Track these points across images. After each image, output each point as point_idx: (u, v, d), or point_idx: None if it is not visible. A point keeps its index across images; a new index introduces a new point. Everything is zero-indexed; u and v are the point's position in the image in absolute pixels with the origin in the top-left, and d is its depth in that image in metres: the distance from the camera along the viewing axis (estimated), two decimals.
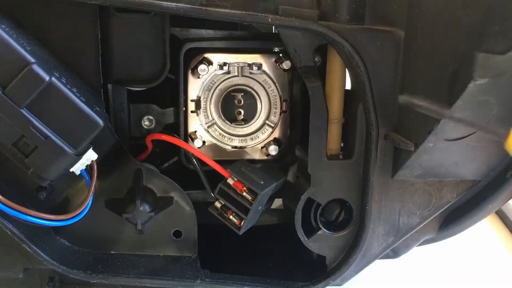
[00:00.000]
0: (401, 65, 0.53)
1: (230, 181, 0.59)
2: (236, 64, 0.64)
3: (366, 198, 0.59)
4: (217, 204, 0.60)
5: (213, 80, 0.64)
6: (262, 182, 0.59)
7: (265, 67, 0.64)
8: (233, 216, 0.60)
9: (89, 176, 0.55)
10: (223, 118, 0.65)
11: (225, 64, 0.63)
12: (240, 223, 0.59)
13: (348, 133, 0.61)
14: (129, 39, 0.58)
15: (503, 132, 0.39)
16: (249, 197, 0.58)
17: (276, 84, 0.65)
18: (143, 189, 0.60)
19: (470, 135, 0.49)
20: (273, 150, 0.66)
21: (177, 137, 0.63)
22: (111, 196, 0.61)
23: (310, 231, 0.63)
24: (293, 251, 0.70)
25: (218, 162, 0.61)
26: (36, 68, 0.47)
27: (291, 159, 0.69)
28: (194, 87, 0.64)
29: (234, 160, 0.64)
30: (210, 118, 0.65)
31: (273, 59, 0.64)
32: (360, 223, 0.61)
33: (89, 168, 0.54)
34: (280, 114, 0.67)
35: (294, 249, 0.68)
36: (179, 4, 0.50)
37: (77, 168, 0.52)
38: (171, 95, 0.66)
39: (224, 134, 0.66)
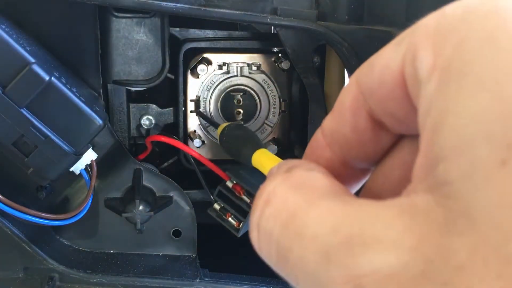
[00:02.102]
0: None
1: (229, 183, 0.59)
2: (235, 64, 0.64)
3: None
4: (216, 206, 0.60)
5: (212, 80, 0.64)
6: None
7: (264, 67, 0.64)
8: (231, 218, 0.60)
9: (89, 176, 0.55)
10: (222, 118, 0.65)
11: (224, 64, 0.63)
12: (239, 225, 0.59)
13: None
14: (129, 39, 0.59)
15: None
16: (247, 200, 0.58)
17: (275, 84, 0.65)
18: (142, 189, 0.60)
19: None
20: (272, 150, 0.67)
21: (176, 139, 0.63)
22: (111, 195, 0.61)
23: None
24: None
25: (218, 161, 0.61)
26: (36, 68, 0.47)
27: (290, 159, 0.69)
28: (194, 87, 0.64)
29: (234, 160, 0.64)
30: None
31: (272, 59, 0.64)
32: None
33: (88, 168, 0.54)
34: (279, 114, 0.67)
35: None
36: (178, 5, 0.50)
37: (77, 167, 0.52)
38: (171, 95, 0.67)
39: None
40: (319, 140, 0.22)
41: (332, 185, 0.19)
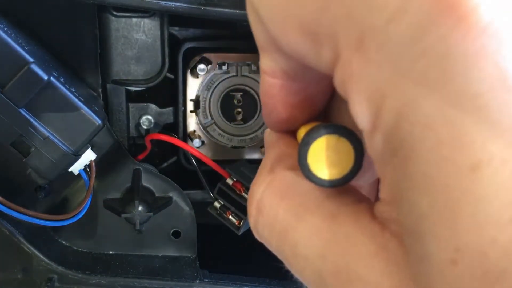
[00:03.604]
0: None
1: (229, 181, 0.59)
2: (235, 64, 0.64)
3: None
4: (216, 204, 0.60)
5: (212, 80, 0.64)
6: None
7: None
8: (232, 216, 0.60)
9: (88, 176, 0.55)
10: (222, 117, 0.65)
11: (224, 63, 0.63)
12: (239, 223, 0.59)
13: None
14: (128, 39, 0.58)
15: None
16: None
17: None
18: (142, 189, 0.60)
19: None
20: None
21: (176, 137, 0.63)
22: (110, 196, 0.61)
23: None
24: None
25: (217, 161, 0.61)
26: (34, 67, 0.46)
27: None
28: (193, 87, 0.64)
29: (234, 160, 0.64)
30: (209, 118, 0.65)
31: None
32: None
33: (87, 168, 0.54)
34: None
35: None
36: (178, 4, 0.50)
37: (76, 168, 0.52)
38: (170, 95, 0.66)
39: (223, 133, 0.66)
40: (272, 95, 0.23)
41: (315, 189, 0.20)
